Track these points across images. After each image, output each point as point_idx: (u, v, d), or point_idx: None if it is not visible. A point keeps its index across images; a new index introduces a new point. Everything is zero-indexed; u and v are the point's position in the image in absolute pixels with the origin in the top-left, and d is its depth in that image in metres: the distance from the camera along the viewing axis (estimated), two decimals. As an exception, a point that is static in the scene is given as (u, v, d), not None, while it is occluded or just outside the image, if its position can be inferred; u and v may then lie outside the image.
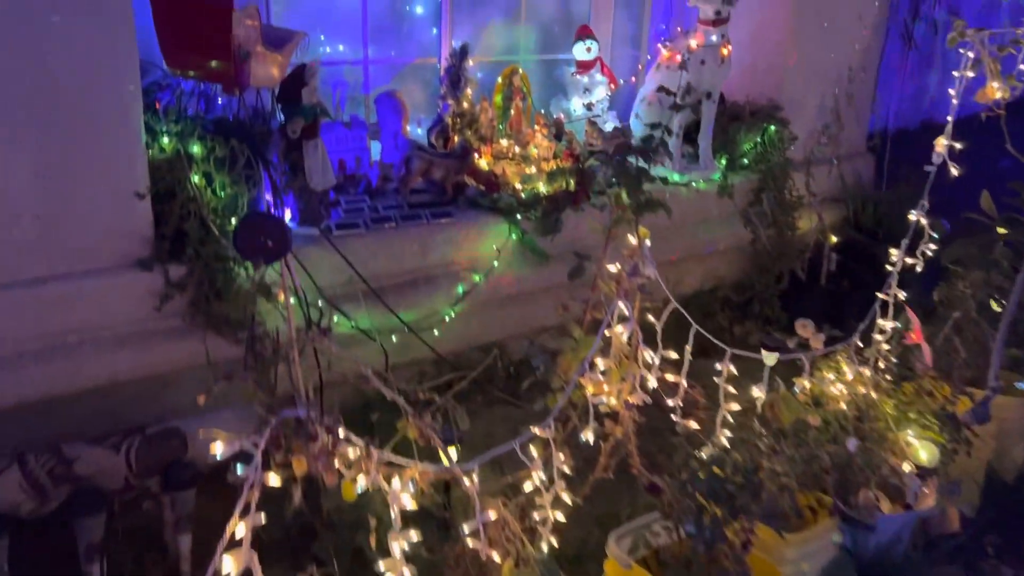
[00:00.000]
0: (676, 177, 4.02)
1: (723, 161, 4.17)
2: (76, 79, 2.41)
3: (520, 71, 4.06)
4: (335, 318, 2.97)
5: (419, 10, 3.98)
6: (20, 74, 2.34)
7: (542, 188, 3.60)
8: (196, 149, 2.67)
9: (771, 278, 4.09)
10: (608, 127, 4.28)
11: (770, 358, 2.58)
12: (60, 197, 2.48)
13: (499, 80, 4.05)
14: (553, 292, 3.32)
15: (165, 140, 2.65)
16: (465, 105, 3.83)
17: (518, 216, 3.44)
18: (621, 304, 2.19)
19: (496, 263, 3.36)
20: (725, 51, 3.92)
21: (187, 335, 2.70)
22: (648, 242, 2.26)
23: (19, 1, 2.29)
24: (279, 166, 2.88)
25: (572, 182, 3.59)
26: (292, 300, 2.53)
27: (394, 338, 3.09)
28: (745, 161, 4.22)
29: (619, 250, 2.33)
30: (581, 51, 4.17)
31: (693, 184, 4.02)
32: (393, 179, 3.55)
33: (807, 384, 2.76)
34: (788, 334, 2.93)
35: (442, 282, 3.29)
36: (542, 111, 4.20)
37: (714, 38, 3.88)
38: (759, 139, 4.23)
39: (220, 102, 2.92)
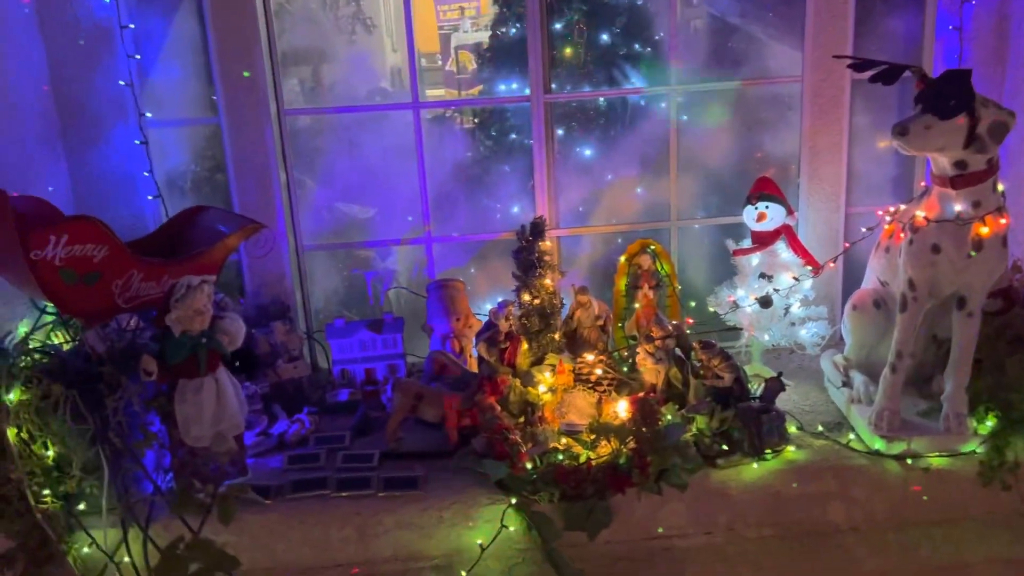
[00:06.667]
0: (878, 444, 2.27)
1: (989, 421, 2.27)
2: None
3: (653, 247, 2.74)
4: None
5: (506, 168, 2.93)
6: None
7: (584, 452, 2.26)
8: (14, 396, 2.09)
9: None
10: (814, 337, 2.67)
11: None
12: None
13: (621, 260, 2.78)
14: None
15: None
16: (537, 301, 2.66)
17: (518, 496, 2.17)
18: None
19: (465, 571, 2.13)
20: (984, 230, 2.12)
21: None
22: None
23: None
24: (128, 418, 2.15)
25: (624, 451, 2.19)
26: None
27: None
28: (1040, 425, 2.26)
29: None
30: (752, 217, 2.68)
31: (910, 461, 2.24)
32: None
33: None
34: None
35: (387, 588, 2.21)
36: (692, 305, 2.79)
37: (957, 207, 2.13)
38: (1081, 385, 2.24)
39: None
